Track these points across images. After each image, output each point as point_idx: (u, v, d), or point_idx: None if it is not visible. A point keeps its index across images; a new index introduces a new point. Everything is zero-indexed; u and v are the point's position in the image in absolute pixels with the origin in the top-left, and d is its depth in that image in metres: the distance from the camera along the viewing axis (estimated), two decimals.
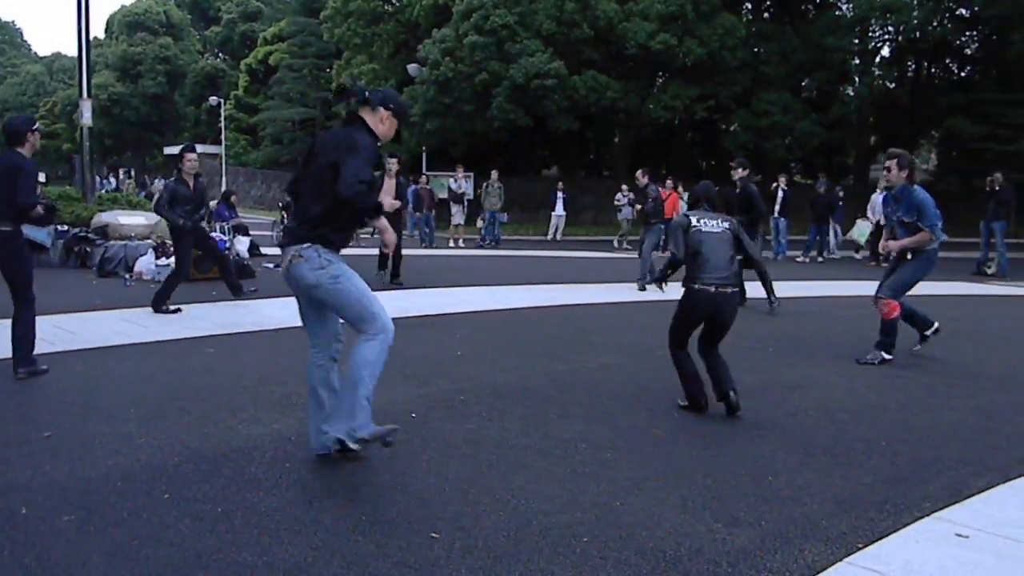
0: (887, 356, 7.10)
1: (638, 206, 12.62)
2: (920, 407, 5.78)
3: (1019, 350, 7.78)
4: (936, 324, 7.51)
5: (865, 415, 5.47)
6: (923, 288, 13.47)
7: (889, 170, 7.04)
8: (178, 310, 8.80)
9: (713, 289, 5.31)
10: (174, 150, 55.10)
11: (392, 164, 10.66)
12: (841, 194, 20.79)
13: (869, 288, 13.16)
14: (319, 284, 4.16)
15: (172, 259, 11.70)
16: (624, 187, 21.86)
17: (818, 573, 3.21)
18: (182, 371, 6.33)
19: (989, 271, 16.26)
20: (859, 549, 3.42)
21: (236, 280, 10.19)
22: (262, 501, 3.79)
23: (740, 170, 10.10)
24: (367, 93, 4.35)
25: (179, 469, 4.18)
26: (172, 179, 9.32)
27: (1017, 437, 5.08)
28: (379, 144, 4.38)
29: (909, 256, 7.12)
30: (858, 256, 19.69)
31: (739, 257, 5.53)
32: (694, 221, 5.48)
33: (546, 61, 25.65)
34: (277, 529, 3.50)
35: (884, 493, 4.06)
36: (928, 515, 3.79)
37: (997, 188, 16.27)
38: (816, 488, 4.12)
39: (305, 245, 4.12)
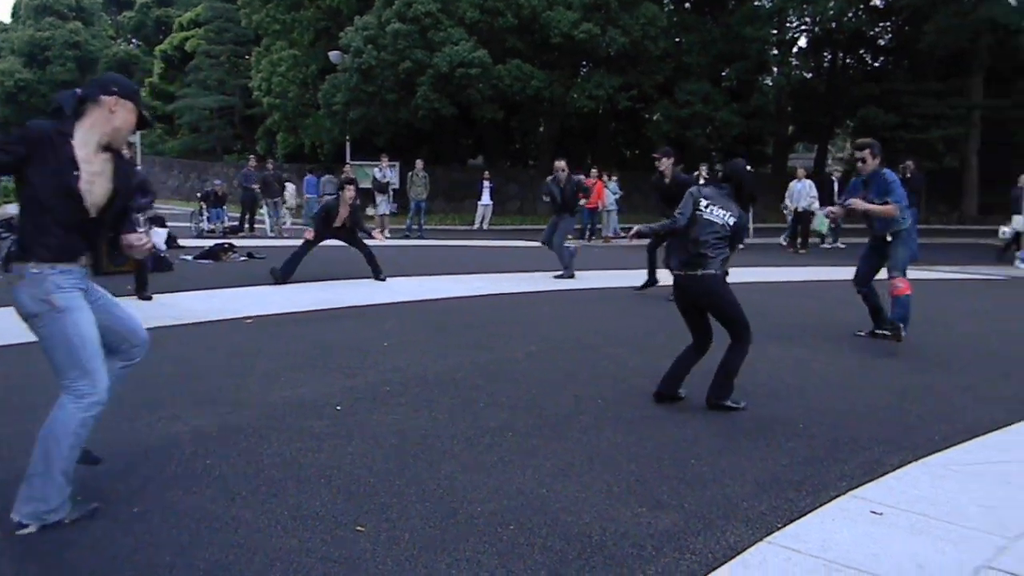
0: (904, 332, 7.27)
1: (546, 197, 12.49)
2: (837, 389, 5.96)
3: (932, 332, 8.08)
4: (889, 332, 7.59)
5: (785, 398, 5.61)
6: (840, 272, 13.92)
7: (864, 161, 7.32)
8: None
9: (685, 273, 5.26)
10: None
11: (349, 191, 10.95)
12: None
13: (793, 275, 13.55)
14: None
15: None
16: (614, 177, 21.73)
17: (739, 553, 3.28)
18: None
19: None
20: (778, 529, 3.51)
21: (147, 279, 9.50)
22: (181, 500, 3.69)
23: (665, 159, 9.91)
24: (79, 91, 3.53)
25: (92, 469, 4.02)
26: None
27: (929, 416, 5.27)
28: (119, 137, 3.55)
29: (889, 238, 7.43)
30: (825, 245, 19.73)
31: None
32: (703, 204, 5.24)
33: (470, 50, 25.54)
34: (197, 528, 3.41)
35: (802, 473, 4.18)
36: (844, 493, 3.91)
37: (908, 175, 16.86)
38: (737, 470, 4.21)
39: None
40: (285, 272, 10.81)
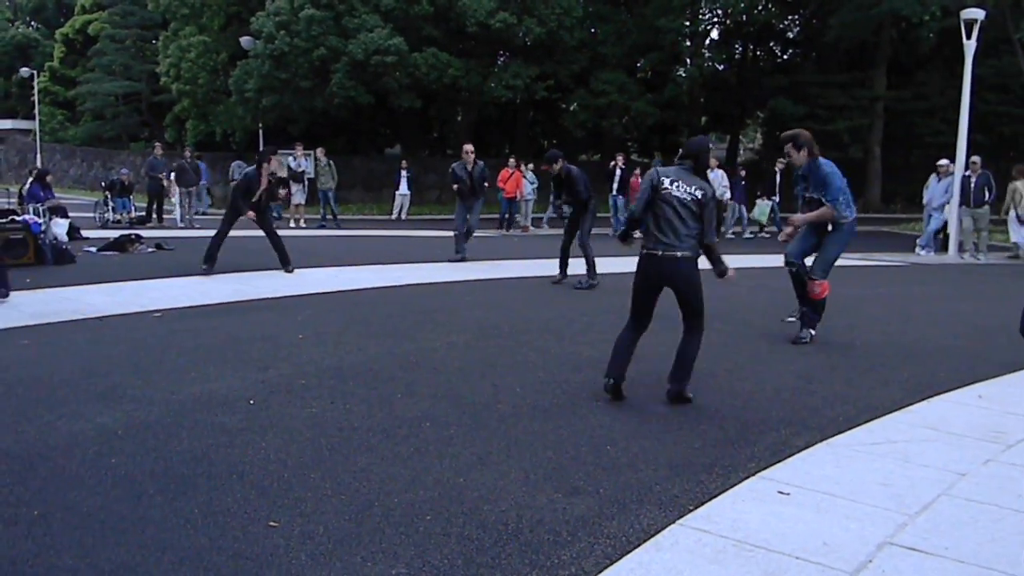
0: (812, 331, 7.23)
1: (455, 185, 12.82)
2: (746, 372, 6.12)
3: (836, 316, 8.35)
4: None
5: (696, 381, 5.70)
6: (752, 260, 14.28)
7: (789, 155, 7.03)
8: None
9: (660, 253, 5.09)
10: None
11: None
12: (744, 173, 20.73)
13: (703, 263, 13.81)
14: None
15: None
16: (530, 166, 21.59)
17: (652, 536, 3.34)
18: None
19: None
20: (690, 511, 3.59)
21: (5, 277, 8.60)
22: (84, 500, 3.56)
23: (554, 165, 10.46)
24: None
25: None
26: None
27: (833, 397, 5.46)
28: None
29: (829, 229, 7.10)
30: (763, 235, 19.64)
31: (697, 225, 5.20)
32: (666, 183, 5.11)
33: (386, 37, 25.23)
34: (101, 529, 3.30)
35: (713, 456, 4.28)
36: (753, 475, 4.02)
37: (800, 172, 17.41)
38: (651, 454, 4.28)
39: None
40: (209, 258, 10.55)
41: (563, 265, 10.75)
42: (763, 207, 19.11)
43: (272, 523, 3.38)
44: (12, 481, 3.75)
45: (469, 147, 12.95)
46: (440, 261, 12.85)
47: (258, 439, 4.39)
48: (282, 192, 11.58)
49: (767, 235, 19.27)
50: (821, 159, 6.93)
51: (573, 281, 10.34)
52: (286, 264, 10.96)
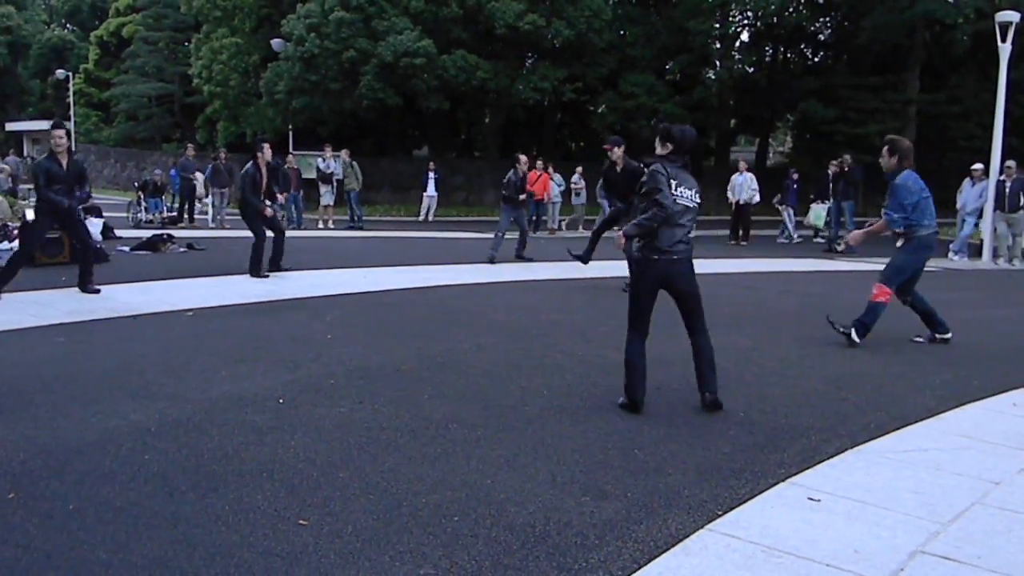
0: (855, 338, 7.12)
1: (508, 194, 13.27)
2: (775, 378, 6.07)
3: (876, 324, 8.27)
4: (950, 335, 7.42)
5: (725, 387, 5.68)
6: (779, 264, 14.17)
7: (882, 157, 7.07)
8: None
9: (676, 256, 4.97)
10: (17, 126, 51.66)
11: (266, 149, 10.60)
12: (796, 176, 19.87)
13: (735, 267, 13.76)
14: None
15: (15, 243, 10.99)
16: (580, 169, 21.57)
17: (681, 541, 3.33)
18: (28, 363, 5.94)
19: (839, 248, 17.21)
20: (719, 516, 3.57)
21: (91, 273, 9.00)
22: (118, 496, 3.61)
23: (617, 148, 9.97)
24: None
25: (25, 466, 3.93)
26: (44, 156, 8.73)
27: (864, 404, 5.41)
28: None
29: (899, 243, 7.17)
30: (819, 240, 18.85)
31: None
32: (675, 188, 4.93)
33: (415, 39, 25.34)
34: (135, 524, 3.34)
35: (742, 461, 4.25)
36: (783, 481, 3.99)
37: (847, 169, 17.25)
38: (679, 459, 4.26)
39: None
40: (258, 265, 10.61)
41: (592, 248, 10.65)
42: (818, 211, 18.14)
43: (301, 521, 3.41)
44: (48, 476, 3.81)
45: (524, 157, 13.58)
46: (467, 263, 12.88)
47: (287, 438, 4.42)
48: (280, 196, 11.56)
49: (822, 240, 18.44)
50: (907, 172, 6.98)
51: (620, 284, 10.17)
52: (274, 266, 10.79)
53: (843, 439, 4.64)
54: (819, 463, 4.25)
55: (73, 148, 8.99)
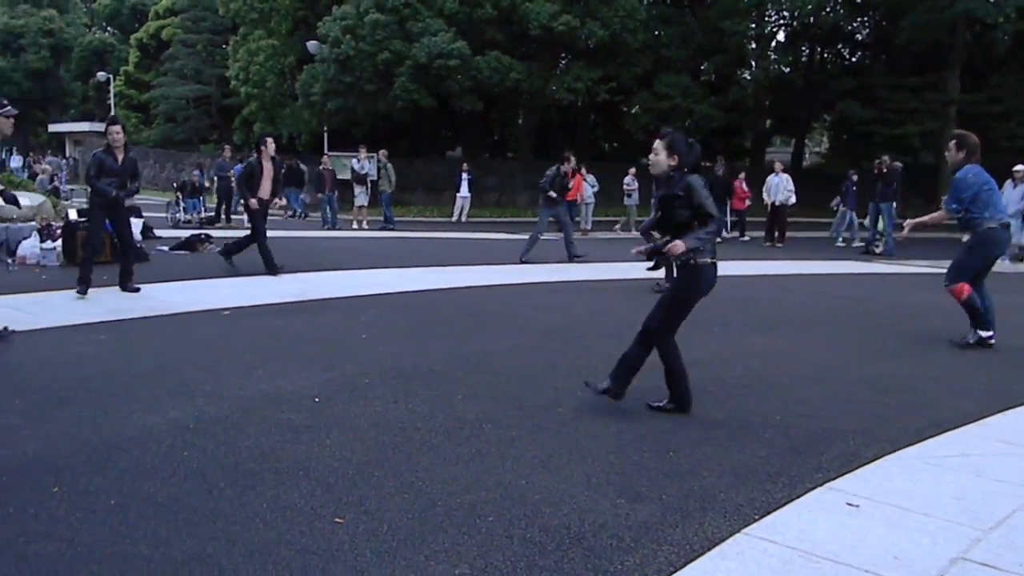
0: (983, 333, 7.14)
1: (552, 192, 13.31)
2: (811, 381, 6.01)
3: (905, 324, 8.17)
4: (993, 337, 7.26)
5: (760, 390, 5.65)
6: (816, 267, 14.03)
7: (949, 150, 7.14)
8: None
9: (715, 262, 4.98)
10: (60, 127, 52.61)
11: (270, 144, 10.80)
12: (855, 178, 18.97)
13: (770, 268, 13.65)
14: None
15: (59, 242, 11.20)
16: (632, 170, 21.48)
17: (717, 544, 3.30)
18: (71, 359, 6.06)
19: (877, 250, 16.99)
20: (755, 520, 3.54)
21: (131, 272, 9.16)
22: (158, 491, 3.67)
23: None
24: None
25: (68, 461, 4.01)
26: (100, 149, 8.90)
27: (904, 408, 5.33)
28: None
29: (965, 238, 7.22)
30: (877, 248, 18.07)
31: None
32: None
33: (449, 41, 25.43)
34: (175, 520, 3.39)
35: (778, 465, 4.21)
36: (820, 485, 3.95)
37: (885, 171, 17.01)
38: (714, 462, 4.23)
39: None
40: (229, 251, 10.81)
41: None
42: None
43: (337, 519, 3.44)
44: (91, 471, 3.88)
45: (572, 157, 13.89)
46: (499, 263, 12.91)
47: (323, 436, 4.46)
48: (280, 202, 11.63)
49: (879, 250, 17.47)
50: (970, 166, 7.00)
51: (650, 284, 10.16)
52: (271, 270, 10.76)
53: (882, 443, 4.58)
54: (858, 468, 4.20)
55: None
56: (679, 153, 4.96)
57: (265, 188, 10.65)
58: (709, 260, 4.92)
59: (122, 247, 9.23)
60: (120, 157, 8.76)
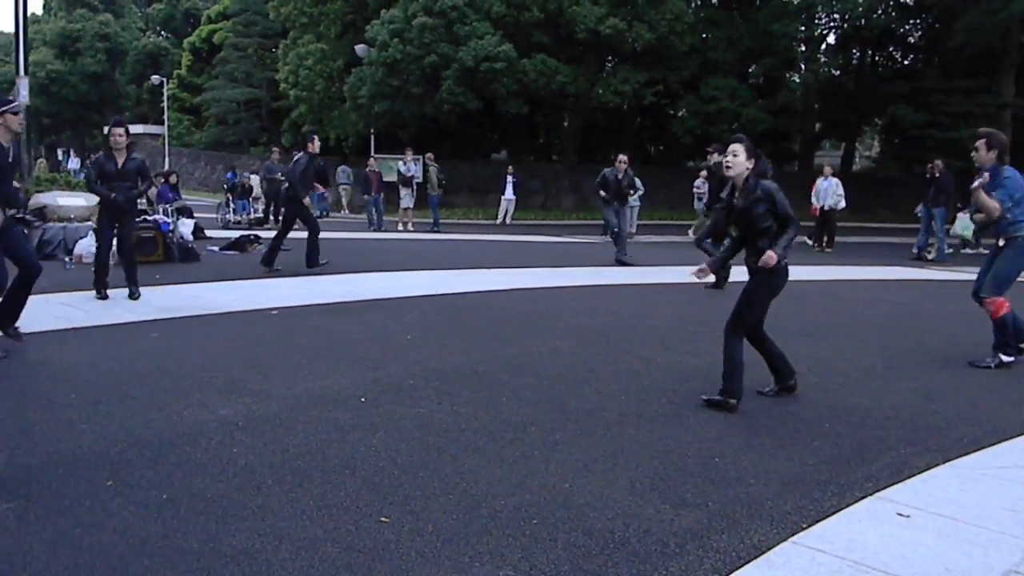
0: (1005, 358, 6.64)
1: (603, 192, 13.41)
2: (862, 389, 5.91)
3: (958, 332, 8.00)
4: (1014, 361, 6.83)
5: (808, 397, 5.57)
6: (865, 272, 13.79)
7: (977, 150, 6.70)
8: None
9: (785, 264, 5.20)
10: None
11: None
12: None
13: (819, 274, 13.45)
14: None
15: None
16: (704, 173, 21.31)
17: (763, 553, 3.27)
18: (124, 356, 6.19)
19: (929, 256, 16.64)
20: (803, 529, 3.49)
21: (135, 279, 8.79)
22: (208, 487, 3.74)
23: (717, 155, 9.80)
24: None
25: (122, 455, 4.10)
26: (100, 154, 8.75)
27: (957, 418, 5.22)
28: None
29: (1001, 243, 6.69)
30: (968, 251, 17.64)
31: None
32: None
33: (496, 44, 25.51)
34: (224, 515, 3.45)
35: (827, 473, 4.15)
36: (870, 495, 3.88)
37: (937, 175, 16.66)
38: (761, 469, 4.19)
39: None
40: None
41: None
42: (966, 221, 16.91)
43: (383, 519, 3.47)
44: (143, 466, 3.97)
45: (623, 157, 13.81)
46: (544, 266, 12.91)
47: (369, 436, 4.50)
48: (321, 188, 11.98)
49: (971, 252, 17.03)
50: (1008, 167, 6.60)
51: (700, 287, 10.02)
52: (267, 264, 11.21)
53: (934, 453, 4.49)
54: (909, 477, 4.12)
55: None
56: (756, 157, 5.14)
57: (308, 184, 10.91)
58: (785, 261, 5.18)
59: (120, 253, 8.84)
60: (120, 160, 8.45)
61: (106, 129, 8.86)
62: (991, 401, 5.66)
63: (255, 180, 21.20)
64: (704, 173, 20.26)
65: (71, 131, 60.80)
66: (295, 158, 11.38)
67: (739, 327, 5.26)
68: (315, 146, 11.11)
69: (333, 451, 4.26)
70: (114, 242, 8.75)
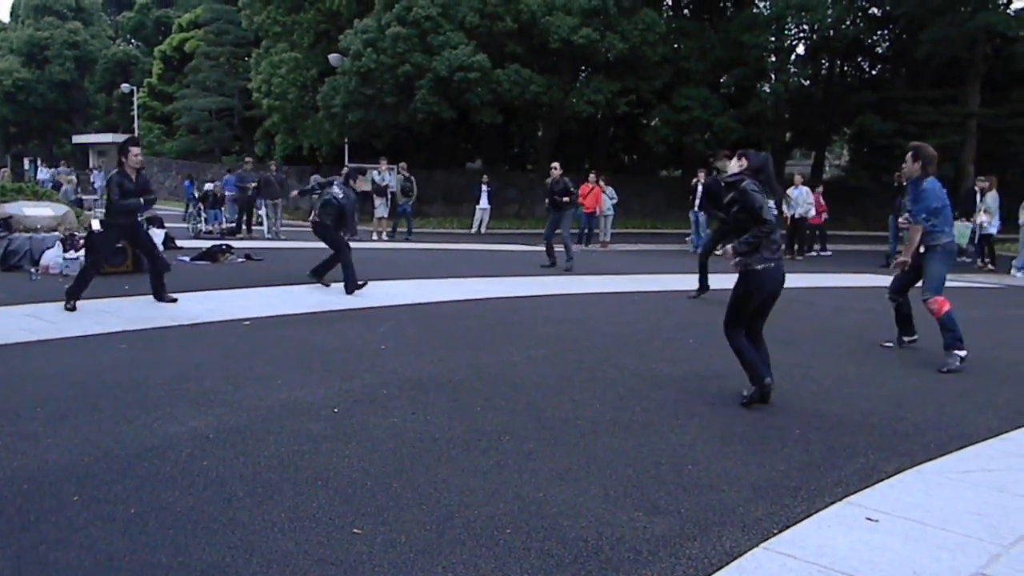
0: (959, 353, 6.90)
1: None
2: (832, 395, 5.97)
3: (926, 339, 8.08)
4: (916, 337, 7.73)
5: (780, 404, 5.61)
6: (836, 280, 13.93)
7: (906, 162, 7.14)
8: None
9: (774, 266, 5.36)
10: (84, 138, 53.21)
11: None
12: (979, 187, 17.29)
13: (789, 281, 13.54)
14: None
15: (81, 252, 11.32)
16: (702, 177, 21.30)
17: (735, 559, 3.29)
18: (92, 368, 6.11)
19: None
20: (774, 534, 3.52)
21: (163, 282, 9.17)
22: (178, 501, 3.69)
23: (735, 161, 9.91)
24: None
25: (89, 470, 4.04)
26: (115, 172, 8.92)
27: (924, 423, 5.28)
28: None
29: (922, 250, 7.17)
30: (964, 259, 16.92)
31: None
32: (770, 203, 5.30)
33: (470, 54, 25.54)
34: (193, 529, 3.41)
35: (798, 479, 4.19)
36: (840, 500, 3.92)
37: (905, 183, 16.83)
38: (733, 476, 4.21)
39: None
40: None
41: (704, 278, 10.74)
42: (963, 229, 16.14)
43: (356, 530, 3.45)
44: (111, 480, 3.91)
45: (556, 164, 14.44)
46: (519, 275, 12.91)
47: (342, 447, 4.48)
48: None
49: (967, 259, 16.66)
50: (935, 181, 7.08)
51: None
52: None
53: (902, 458, 4.54)
54: (877, 482, 4.17)
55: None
56: (743, 156, 5.52)
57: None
58: (760, 265, 5.29)
59: (150, 259, 9.29)
60: (135, 177, 8.84)
61: (122, 147, 9.04)
62: (958, 406, 5.73)
63: (209, 188, 21.11)
64: (702, 177, 20.08)
65: (38, 140, 60.04)
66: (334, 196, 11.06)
67: (727, 325, 5.53)
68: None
69: (305, 462, 4.23)
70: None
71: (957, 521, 3.68)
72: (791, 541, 3.46)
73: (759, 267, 5.33)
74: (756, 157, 5.50)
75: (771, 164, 5.54)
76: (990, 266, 16.47)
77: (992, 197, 16.46)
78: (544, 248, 14.29)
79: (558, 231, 14.21)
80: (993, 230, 16.68)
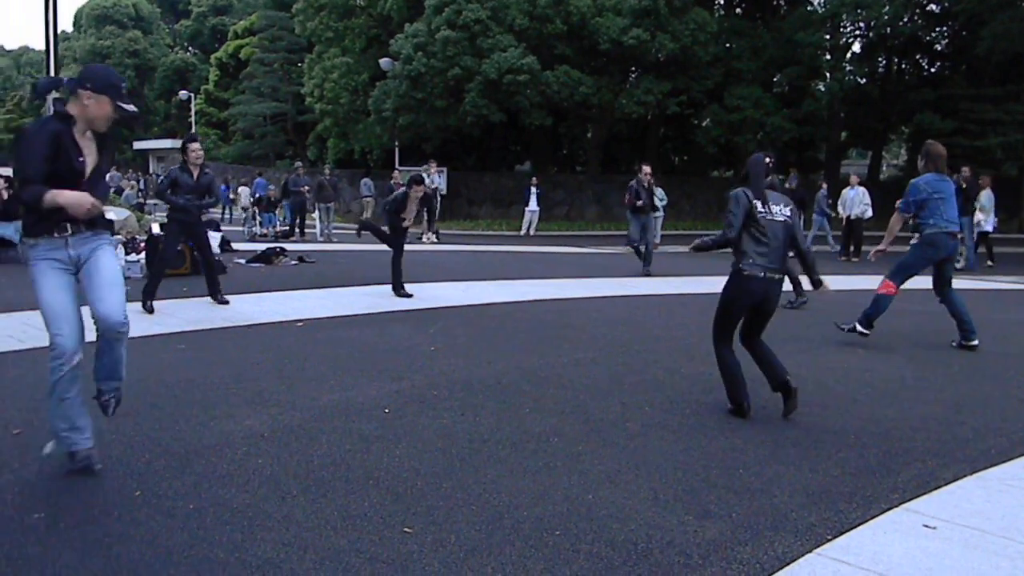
0: (862, 329, 7.58)
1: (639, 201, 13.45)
2: (889, 399, 5.86)
3: (988, 343, 7.90)
4: (976, 342, 7.72)
5: (834, 408, 5.53)
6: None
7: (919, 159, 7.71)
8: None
9: (762, 274, 5.14)
10: (144, 144, 54.50)
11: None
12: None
13: (845, 283, 13.31)
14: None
15: (142, 255, 11.61)
16: (824, 185, 20.91)
17: (787, 564, 3.25)
18: (152, 368, 6.26)
19: (958, 265, 16.40)
20: (828, 540, 3.47)
21: (218, 284, 9.37)
22: (234, 497, 3.77)
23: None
24: (64, 81, 4.00)
25: (150, 466, 4.15)
26: (176, 167, 9.19)
27: (985, 429, 5.16)
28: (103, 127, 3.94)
29: (912, 241, 7.71)
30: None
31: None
32: (759, 207, 5.17)
33: (519, 56, 25.62)
34: (249, 525, 3.48)
35: (853, 485, 4.12)
36: (896, 506, 3.84)
37: (965, 184, 16.49)
38: (786, 480, 4.16)
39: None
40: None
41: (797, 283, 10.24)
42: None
43: (406, 529, 3.48)
44: (170, 476, 4.02)
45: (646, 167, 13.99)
46: (568, 277, 12.90)
47: (393, 447, 4.53)
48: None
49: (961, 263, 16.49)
50: (929, 175, 7.50)
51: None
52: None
53: (962, 465, 4.44)
54: (935, 489, 4.08)
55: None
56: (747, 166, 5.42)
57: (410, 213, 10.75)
58: (747, 270, 5.16)
59: (203, 261, 9.48)
60: (196, 174, 8.99)
61: (182, 144, 9.28)
62: (1020, 412, 5.58)
63: (244, 192, 21.43)
64: (825, 185, 19.56)
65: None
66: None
67: (713, 335, 5.53)
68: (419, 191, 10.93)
69: (357, 461, 4.29)
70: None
71: (1019, 529, 3.59)
72: (845, 547, 3.40)
73: (745, 272, 5.16)
74: (748, 162, 5.42)
75: (759, 164, 5.31)
76: (989, 263, 16.64)
77: (987, 195, 16.33)
78: (635, 253, 13.93)
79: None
80: (989, 228, 16.69)
